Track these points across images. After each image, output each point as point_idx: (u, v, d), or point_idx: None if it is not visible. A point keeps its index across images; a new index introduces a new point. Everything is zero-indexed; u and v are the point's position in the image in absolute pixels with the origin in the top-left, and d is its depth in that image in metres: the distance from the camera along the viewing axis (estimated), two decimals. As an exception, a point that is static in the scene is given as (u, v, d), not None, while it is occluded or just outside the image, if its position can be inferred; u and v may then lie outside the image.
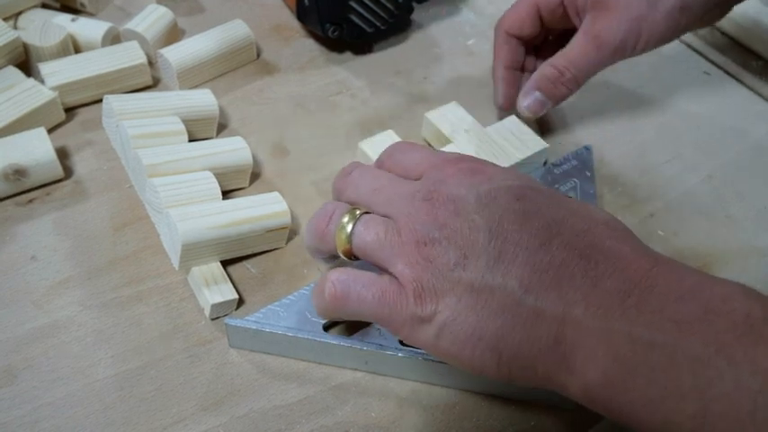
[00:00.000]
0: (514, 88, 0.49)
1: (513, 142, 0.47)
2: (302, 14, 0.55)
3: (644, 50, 0.43)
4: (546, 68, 0.45)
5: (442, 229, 0.29)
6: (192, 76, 0.52)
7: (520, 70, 0.50)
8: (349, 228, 0.32)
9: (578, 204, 0.31)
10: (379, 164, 0.37)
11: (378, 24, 0.55)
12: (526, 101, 0.47)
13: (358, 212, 0.33)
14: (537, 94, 0.46)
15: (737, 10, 0.59)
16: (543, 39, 0.50)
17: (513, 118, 0.48)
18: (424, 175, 0.33)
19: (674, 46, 0.60)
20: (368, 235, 0.32)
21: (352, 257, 0.33)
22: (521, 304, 0.28)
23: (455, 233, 0.29)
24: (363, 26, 0.54)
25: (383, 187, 0.33)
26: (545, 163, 0.48)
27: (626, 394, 0.26)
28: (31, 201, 0.44)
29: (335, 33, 0.54)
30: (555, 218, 0.29)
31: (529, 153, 0.46)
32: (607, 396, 0.26)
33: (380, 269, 0.32)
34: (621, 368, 0.26)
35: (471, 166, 0.32)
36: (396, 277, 0.31)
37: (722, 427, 0.23)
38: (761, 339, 0.24)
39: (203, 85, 0.52)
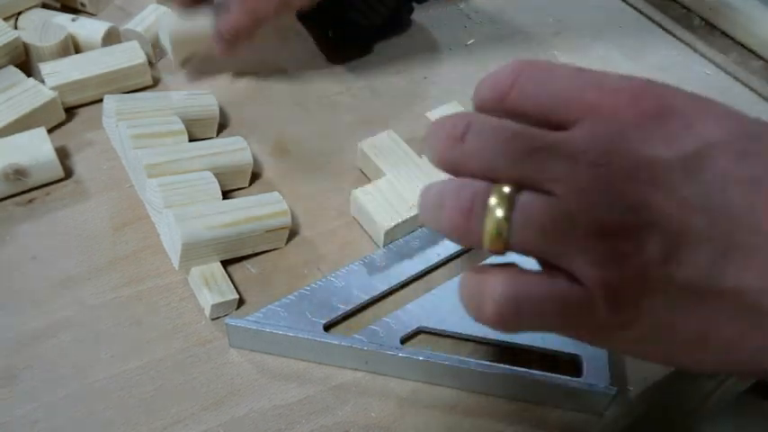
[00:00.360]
0: None
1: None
2: (302, 14, 0.55)
3: None
4: None
5: (636, 210, 0.21)
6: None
7: None
8: (500, 214, 0.23)
9: None
10: (500, 96, 0.25)
11: (378, 24, 0.55)
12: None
13: (507, 191, 0.23)
14: None
15: (737, 10, 0.60)
16: None
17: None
18: (583, 119, 0.23)
19: (674, 46, 0.60)
20: (532, 226, 0.23)
21: (504, 250, 0.24)
22: (761, 308, 0.21)
23: (658, 216, 0.21)
24: (364, 26, 0.54)
25: (525, 148, 0.23)
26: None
27: None
28: (31, 201, 0.44)
29: (336, 35, 0.54)
30: None
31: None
32: None
33: (547, 264, 0.24)
34: None
35: (658, 104, 0.23)
36: (577, 279, 0.23)
37: None
38: None
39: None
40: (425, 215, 0.26)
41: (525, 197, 0.23)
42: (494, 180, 0.23)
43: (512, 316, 0.24)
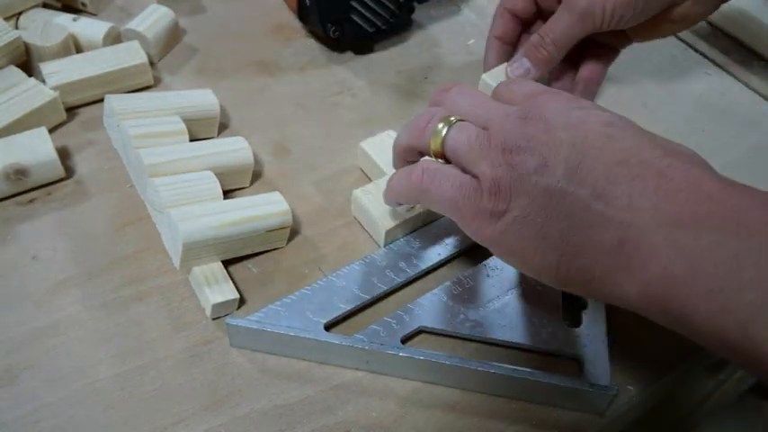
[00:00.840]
0: (501, 59, 0.53)
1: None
2: (303, 14, 0.56)
3: (615, 15, 0.45)
4: (532, 36, 0.49)
5: (529, 140, 0.31)
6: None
7: (511, 45, 0.53)
8: (444, 131, 0.35)
9: (663, 139, 0.32)
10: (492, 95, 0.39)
11: (378, 24, 0.55)
12: (512, 65, 0.50)
13: (453, 119, 0.35)
14: (523, 59, 0.49)
15: (738, 10, 0.60)
16: (536, 18, 0.53)
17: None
18: (524, 101, 0.35)
19: (675, 46, 0.60)
20: (460, 138, 0.34)
21: (440, 158, 0.36)
22: (589, 208, 0.29)
23: (541, 144, 0.31)
24: (364, 26, 0.54)
25: (481, 104, 0.36)
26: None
27: (686, 288, 0.27)
28: (31, 200, 0.44)
29: (336, 33, 0.54)
30: (638, 143, 0.30)
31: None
32: (664, 292, 0.28)
33: (466, 172, 0.34)
34: (684, 262, 0.27)
35: (571, 97, 0.34)
36: (477, 177, 0.33)
37: None
38: None
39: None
40: (405, 127, 0.38)
41: (462, 123, 0.35)
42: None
43: (428, 180, 0.35)
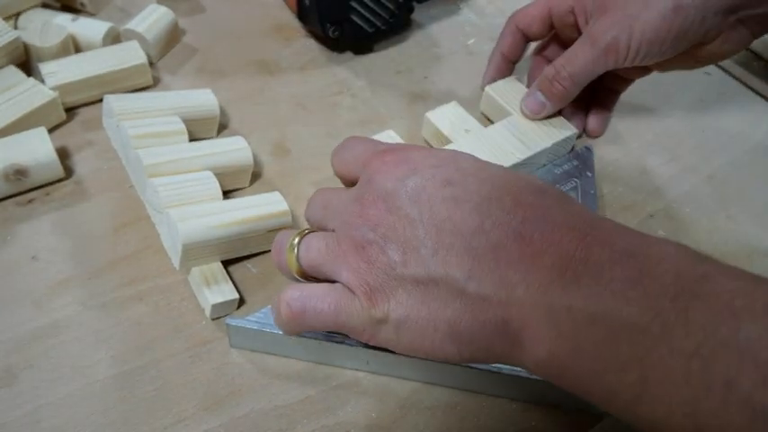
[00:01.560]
0: (501, 75, 0.52)
1: (513, 143, 0.47)
2: (303, 14, 0.56)
3: (639, 52, 0.43)
4: (547, 68, 0.47)
5: (376, 229, 0.30)
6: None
7: (514, 63, 0.52)
8: (294, 250, 0.33)
9: (506, 176, 0.31)
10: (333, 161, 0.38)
11: (378, 24, 0.55)
12: (526, 100, 0.48)
13: (302, 235, 0.34)
14: (537, 93, 0.47)
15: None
16: (548, 41, 0.52)
17: (513, 118, 0.48)
18: (360, 174, 0.33)
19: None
20: (311, 253, 0.33)
21: (309, 277, 0.34)
22: (465, 292, 0.28)
23: (390, 230, 0.30)
24: (364, 26, 0.54)
25: (329, 202, 0.34)
26: (544, 165, 0.48)
27: (572, 369, 0.27)
28: (31, 201, 0.44)
29: (336, 33, 0.54)
30: (484, 197, 0.29)
31: (529, 153, 0.46)
32: (555, 371, 0.27)
33: (333, 282, 0.33)
34: (566, 344, 0.26)
35: (396, 157, 0.32)
36: (346, 286, 0.31)
37: (659, 392, 0.24)
38: (693, 299, 0.24)
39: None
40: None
41: (310, 235, 0.33)
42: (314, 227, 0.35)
43: (299, 312, 0.32)
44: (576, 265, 0.27)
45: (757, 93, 0.57)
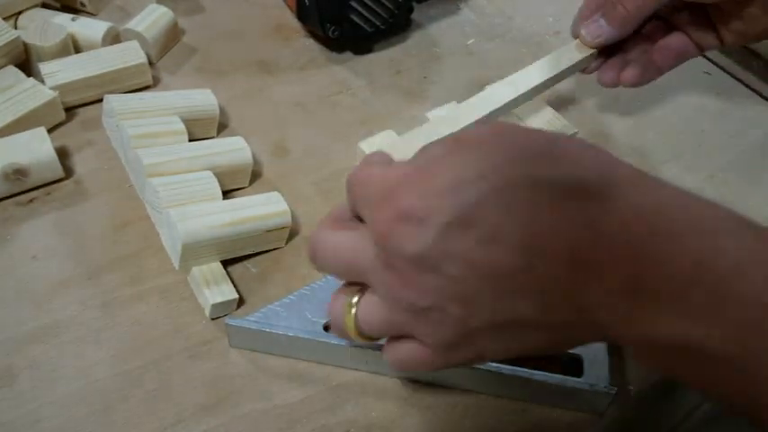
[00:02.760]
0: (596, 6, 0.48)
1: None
2: (302, 14, 0.55)
3: None
4: None
5: (426, 296, 0.27)
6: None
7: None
8: (352, 321, 0.30)
9: (519, 178, 0.26)
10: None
11: (378, 24, 0.55)
12: (587, 26, 0.46)
13: (354, 300, 0.30)
14: (599, 19, 0.46)
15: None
16: None
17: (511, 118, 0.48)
18: (371, 221, 0.29)
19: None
20: (372, 325, 0.30)
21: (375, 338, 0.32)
22: (544, 324, 0.27)
23: (441, 293, 0.27)
24: (363, 26, 0.54)
25: (353, 259, 0.30)
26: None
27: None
28: (31, 200, 0.44)
29: (336, 33, 0.54)
30: (514, 228, 0.26)
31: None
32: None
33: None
34: (662, 364, 0.27)
35: (400, 212, 0.27)
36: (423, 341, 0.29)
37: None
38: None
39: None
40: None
41: (366, 300, 0.30)
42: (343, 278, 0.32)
43: (402, 367, 0.30)
44: (646, 285, 0.25)
45: (757, 93, 0.57)
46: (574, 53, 0.47)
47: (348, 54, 0.57)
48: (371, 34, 0.55)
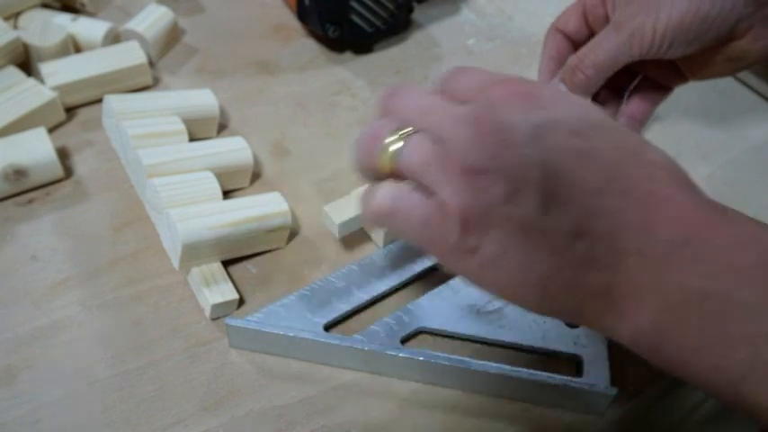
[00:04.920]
0: (552, 78, 0.49)
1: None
2: (303, 14, 0.55)
3: (665, 39, 0.42)
4: (571, 58, 0.45)
5: (492, 158, 0.27)
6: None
7: (561, 65, 0.49)
8: (394, 147, 0.30)
9: (640, 145, 0.29)
10: (435, 90, 0.34)
11: (378, 24, 0.55)
12: None
13: (404, 132, 0.31)
14: (558, 84, 0.46)
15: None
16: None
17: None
18: (473, 100, 0.30)
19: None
20: (414, 156, 0.30)
21: (400, 178, 0.31)
22: (572, 249, 0.27)
23: (506, 165, 0.27)
24: (363, 26, 0.54)
25: (432, 108, 0.31)
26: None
27: (675, 341, 0.26)
28: (31, 201, 0.44)
29: (336, 33, 0.54)
30: (614, 161, 0.28)
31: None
32: (654, 343, 0.27)
33: (428, 192, 0.30)
34: (672, 316, 0.26)
35: (525, 89, 0.30)
36: (443, 204, 0.29)
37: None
38: None
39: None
40: (354, 145, 0.33)
41: (416, 137, 0.30)
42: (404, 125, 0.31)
43: (389, 212, 0.30)
44: (698, 243, 0.26)
45: (757, 93, 0.57)
46: None
47: (348, 54, 0.57)
48: (371, 34, 0.55)
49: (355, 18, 0.54)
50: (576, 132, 0.28)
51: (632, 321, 0.27)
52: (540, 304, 0.29)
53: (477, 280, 0.30)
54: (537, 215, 0.27)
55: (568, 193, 0.27)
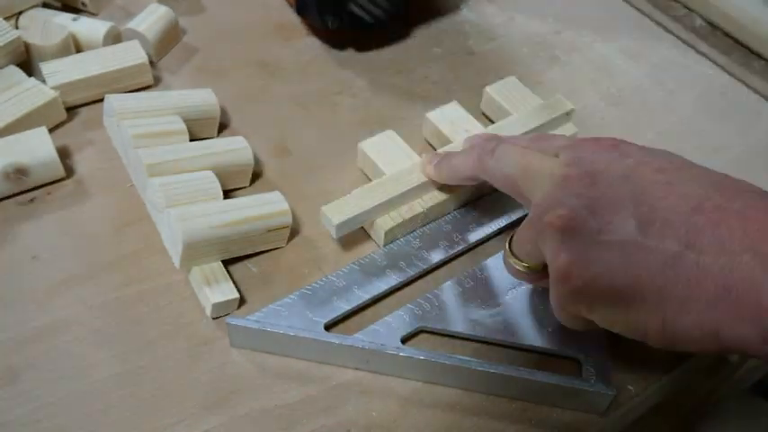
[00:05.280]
0: None
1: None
2: (302, 7, 0.55)
3: None
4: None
5: (579, 197, 0.30)
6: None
7: None
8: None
9: (723, 175, 0.31)
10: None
11: (377, 14, 0.54)
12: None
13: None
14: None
15: (738, 10, 0.59)
16: None
17: (513, 118, 0.48)
18: (562, 153, 0.34)
19: (675, 46, 0.60)
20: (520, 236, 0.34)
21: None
22: (681, 260, 0.28)
23: (597, 201, 0.30)
24: (364, 17, 0.54)
25: (528, 165, 0.35)
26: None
27: None
28: (32, 200, 0.44)
29: (335, 24, 0.53)
30: (700, 187, 0.30)
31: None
32: None
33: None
34: None
35: (609, 142, 0.34)
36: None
37: None
38: None
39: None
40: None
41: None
42: None
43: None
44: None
45: (757, 93, 0.57)
46: None
47: (349, 54, 0.57)
48: (371, 25, 0.54)
49: (355, 9, 0.53)
50: (659, 170, 0.31)
51: (760, 318, 0.27)
52: (664, 329, 0.29)
53: (593, 317, 0.32)
54: (638, 236, 0.29)
55: (665, 216, 0.29)
